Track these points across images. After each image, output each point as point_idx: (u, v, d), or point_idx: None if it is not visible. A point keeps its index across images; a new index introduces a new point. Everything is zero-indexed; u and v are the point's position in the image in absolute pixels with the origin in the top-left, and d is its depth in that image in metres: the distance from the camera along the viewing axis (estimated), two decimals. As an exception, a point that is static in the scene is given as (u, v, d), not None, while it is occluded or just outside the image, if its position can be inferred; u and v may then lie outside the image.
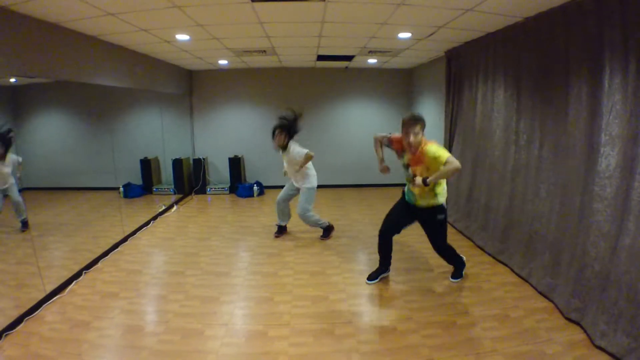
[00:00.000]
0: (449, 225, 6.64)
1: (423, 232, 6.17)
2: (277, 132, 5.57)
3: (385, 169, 4.44)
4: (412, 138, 3.80)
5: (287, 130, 5.56)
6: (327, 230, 6.07)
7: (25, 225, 5.12)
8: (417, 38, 5.70)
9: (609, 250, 3.24)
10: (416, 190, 4.02)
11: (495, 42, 5.12)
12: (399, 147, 4.14)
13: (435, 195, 4.02)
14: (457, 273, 4.59)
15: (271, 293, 4.34)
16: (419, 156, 3.86)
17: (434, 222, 4.20)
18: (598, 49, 3.33)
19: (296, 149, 5.56)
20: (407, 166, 4.08)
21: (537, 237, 4.36)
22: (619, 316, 3.10)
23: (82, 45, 5.06)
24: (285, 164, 5.86)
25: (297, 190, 5.88)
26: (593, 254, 3.41)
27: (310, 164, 5.75)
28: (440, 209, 4.11)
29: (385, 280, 4.59)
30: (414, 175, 3.91)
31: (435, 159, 3.71)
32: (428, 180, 3.72)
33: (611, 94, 3.19)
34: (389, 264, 4.62)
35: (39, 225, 5.78)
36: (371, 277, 4.55)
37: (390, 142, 4.28)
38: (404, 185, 4.34)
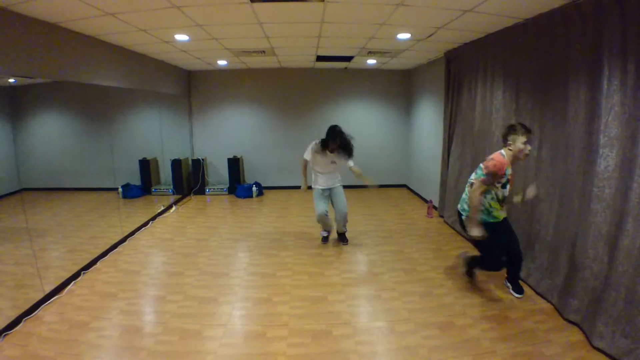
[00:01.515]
0: (447, 226, 6.69)
1: (420, 233, 6.23)
2: (335, 140, 5.25)
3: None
4: (529, 147, 3.73)
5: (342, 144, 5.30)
6: (328, 236, 6.03)
7: None
8: (417, 39, 5.70)
9: (607, 251, 3.25)
10: (501, 207, 3.98)
11: (495, 43, 5.13)
12: (501, 170, 3.76)
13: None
14: (469, 269, 4.51)
15: (270, 294, 4.34)
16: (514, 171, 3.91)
17: (509, 224, 4.15)
18: (597, 51, 3.34)
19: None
20: (506, 184, 3.84)
21: (536, 238, 4.36)
22: (617, 317, 3.11)
23: (81, 46, 5.06)
24: (319, 166, 5.54)
25: (329, 196, 5.64)
26: (592, 255, 3.41)
27: None
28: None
29: (383, 281, 4.59)
30: (507, 192, 3.90)
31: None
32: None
33: (610, 96, 3.19)
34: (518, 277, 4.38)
35: (37, 226, 5.78)
36: (520, 291, 4.25)
37: (494, 177, 3.80)
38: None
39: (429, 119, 8.22)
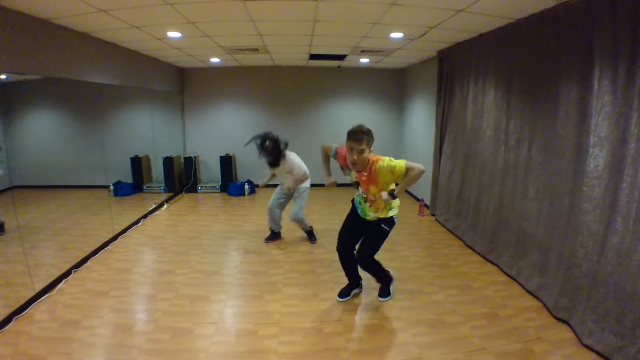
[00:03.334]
0: (439, 225, 6.71)
1: (411, 231, 6.25)
2: (267, 143, 5.25)
3: (332, 184, 4.15)
4: (355, 156, 3.39)
5: (274, 141, 5.28)
6: (312, 233, 5.97)
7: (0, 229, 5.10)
8: (409, 38, 5.71)
9: (597, 249, 3.28)
10: (372, 209, 3.75)
11: (487, 43, 5.15)
12: (344, 163, 3.75)
13: (390, 209, 3.77)
14: (386, 290, 4.19)
15: (261, 292, 4.34)
16: (370, 176, 3.51)
17: (377, 231, 3.82)
18: (588, 51, 3.36)
19: (295, 159, 5.46)
20: (356, 184, 3.74)
21: (526, 236, 4.39)
22: (606, 315, 3.14)
23: (73, 42, 5.02)
24: (272, 172, 5.70)
25: (289, 195, 5.74)
26: (581, 253, 3.44)
27: (303, 164, 5.59)
28: (389, 220, 3.79)
29: (374, 279, 4.59)
30: (366, 195, 3.67)
31: (393, 172, 3.38)
32: (396, 192, 3.47)
33: (600, 96, 3.22)
34: (359, 278, 4.29)
35: (28, 224, 5.75)
36: (343, 294, 4.18)
37: (335, 155, 3.95)
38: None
39: (421, 118, 8.25)
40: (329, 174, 4.23)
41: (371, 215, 3.82)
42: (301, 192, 5.63)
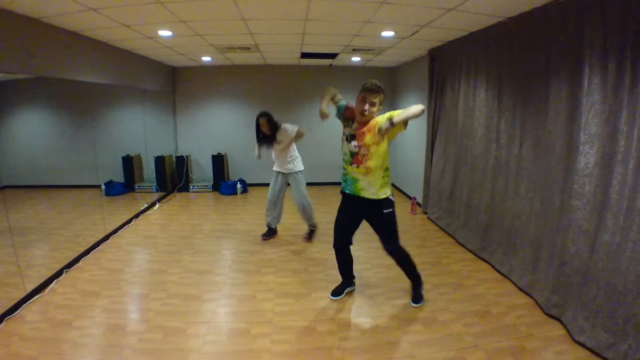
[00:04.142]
0: (430, 222, 6.72)
1: (403, 229, 6.24)
2: (261, 121, 5.36)
3: (325, 113, 3.82)
4: (367, 107, 3.47)
5: (269, 119, 5.37)
6: (312, 232, 5.92)
7: None
8: (400, 37, 5.72)
9: (588, 247, 3.30)
10: (361, 171, 3.59)
11: (478, 41, 5.17)
12: (350, 115, 3.73)
13: (382, 185, 3.65)
14: (417, 295, 4.07)
15: (253, 291, 4.33)
16: (369, 126, 3.54)
17: (382, 218, 3.74)
18: (578, 49, 3.38)
19: (288, 126, 5.39)
20: (351, 137, 3.64)
21: (517, 234, 4.41)
22: (597, 312, 3.16)
23: (64, 41, 4.98)
24: (273, 152, 5.62)
25: (285, 182, 5.68)
26: (572, 250, 3.46)
27: (295, 148, 5.61)
28: (386, 202, 3.69)
29: (367, 277, 4.60)
30: (358, 149, 3.57)
31: (391, 116, 3.34)
32: (395, 120, 3.24)
33: (590, 94, 3.24)
34: (353, 276, 4.31)
35: (19, 224, 5.70)
36: (336, 293, 4.19)
37: (344, 107, 3.86)
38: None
39: (413, 117, 8.24)
40: (325, 108, 3.88)
41: (362, 184, 3.65)
42: (297, 178, 5.60)
